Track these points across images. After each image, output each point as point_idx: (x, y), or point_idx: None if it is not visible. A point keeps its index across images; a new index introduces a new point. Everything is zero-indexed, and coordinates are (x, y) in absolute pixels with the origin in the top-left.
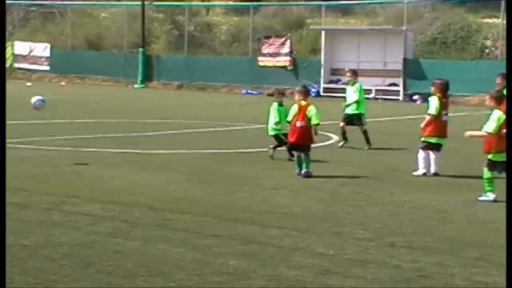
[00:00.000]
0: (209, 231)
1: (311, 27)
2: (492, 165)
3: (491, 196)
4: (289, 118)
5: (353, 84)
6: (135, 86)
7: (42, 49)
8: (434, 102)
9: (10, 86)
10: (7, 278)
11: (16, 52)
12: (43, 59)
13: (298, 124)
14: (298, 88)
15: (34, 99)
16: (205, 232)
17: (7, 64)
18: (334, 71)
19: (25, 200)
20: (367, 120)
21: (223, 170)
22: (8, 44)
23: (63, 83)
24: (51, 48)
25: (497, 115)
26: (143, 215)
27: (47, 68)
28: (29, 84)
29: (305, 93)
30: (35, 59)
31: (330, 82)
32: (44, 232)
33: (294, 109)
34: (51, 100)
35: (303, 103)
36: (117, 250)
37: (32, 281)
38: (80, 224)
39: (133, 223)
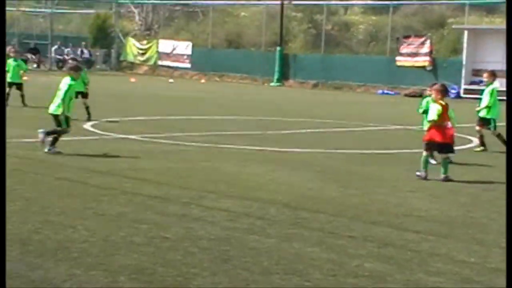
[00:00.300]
0: (344, 232)
1: (453, 26)
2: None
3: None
4: (434, 117)
5: (487, 86)
6: (271, 84)
7: (184, 47)
8: None
9: (154, 82)
10: (149, 269)
11: (160, 50)
12: (185, 57)
13: (447, 124)
14: (437, 86)
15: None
16: (340, 232)
17: (151, 62)
18: (476, 72)
19: (166, 193)
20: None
21: (359, 170)
22: (153, 42)
23: (202, 81)
24: (193, 46)
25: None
26: (279, 213)
27: (189, 65)
28: (171, 80)
29: (444, 92)
30: (178, 57)
31: (472, 83)
32: (183, 226)
33: (437, 108)
34: (191, 97)
35: (443, 102)
36: (254, 247)
37: (173, 272)
38: (217, 219)
39: (269, 220)
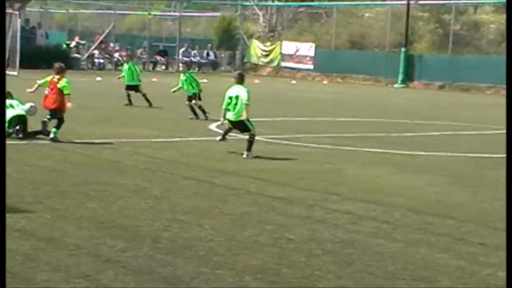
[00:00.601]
0: (473, 239)
1: None
2: None
3: None
4: None
5: None
6: (395, 86)
7: (307, 48)
8: None
9: (277, 84)
10: (273, 269)
11: (283, 51)
12: (308, 58)
13: None
14: None
15: (27, 105)
16: (470, 239)
17: (274, 63)
18: None
19: (290, 195)
20: None
21: (489, 175)
22: (276, 44)
23: (325, 82)
24: (316, 47)
25: None
26: (404, 217)
27: (311, 67)
28: (294, 82)
29: None
30: (300, 58)
31: None
32: (307, 227)
33: None
34: (314, 99)
35: None
36: (378, 251)
37: (297, 274)
38: (341, 221)
39: (394, 224)
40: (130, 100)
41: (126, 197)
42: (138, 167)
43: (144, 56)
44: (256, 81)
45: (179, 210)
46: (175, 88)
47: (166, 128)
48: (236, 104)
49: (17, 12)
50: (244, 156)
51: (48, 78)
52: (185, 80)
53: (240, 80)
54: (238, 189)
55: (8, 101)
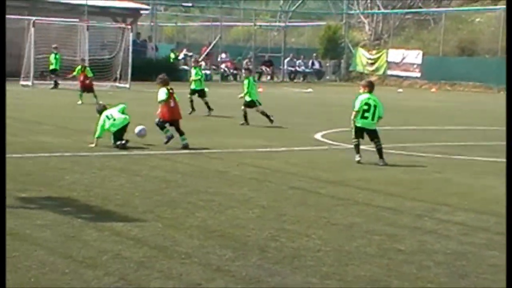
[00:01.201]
0: None
1: None
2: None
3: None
4: None
5: None
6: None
7: (414, 56)
8: None
9: (382, 92)
10: (383, 281)
11: (389, 59)
12: (415, 66)
13: None
14: None
15: (137, 129)
16: None
17: (380, 71)
18: None
19: (398, 205)
20: None
21: None
22: (382, 52)
23: (433, 90)
24: (423, 55)
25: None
26: None
27: (418, 74)
28: (400, 90)
29: None
30: (407, 66)
31: None
32: (417, 239)
33: None
34: (421, 107)
35: None
36: (493, 263)
37: (408, 286)
38: (452, 232)
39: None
40: (191, 106)
41: (234, 207)
42: (245, 177)
43: (250, 67)
44: (361, 90)
45: (286, 220)
46: (241, 94)
47: (271, 138)
48: (374, 113)
49: (129, 27)
50: (381, 164)
51: (165, 91)
52: (248, 86)
53: (372, 89)
54: (345, 199)
55: (106, 113)
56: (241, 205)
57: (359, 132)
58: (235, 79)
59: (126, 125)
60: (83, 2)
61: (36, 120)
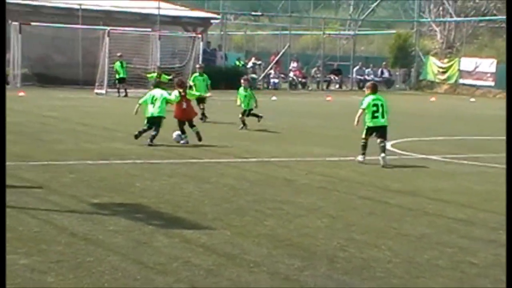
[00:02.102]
0: None
1: None
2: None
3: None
4: None
5: None
6: None
7: (488, 64)
8: None
9: (454, 101)
10: None
11: (461, 68)
12: (488, 75)
13: None
14: None
15: (175, 134)
16: None
17: (452, 80)
18: None
19: (470, 217)
20: None
21: None
22: (454, 60)
23: None
24: (497, 63)
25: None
26: None
27: (492, 83)
28: (472, 99)
29: None
30: (480, 75)
31: None
32: (491, 252)
33: None
34: (495, 116)
35: None
36: None
37: None
38: None
39: None
40: (203, 114)
41: (303, 215)
42: (313, 186)
43: (318, 75)
44: (432, 98)
45: (355, 229)
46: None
47: (339, 146)
48: (383, 111)
49: (199, 36)
50: (383, 155)
51: (177, 94)
52: (245, 96)
53: (376, 90)
54: (415, 210)
55: (153, 92)
56: (309, 214)
57: (370, 131)
58: (303, 87)
59: (159, 118)
60: (156, 12)
61: (109, 127)
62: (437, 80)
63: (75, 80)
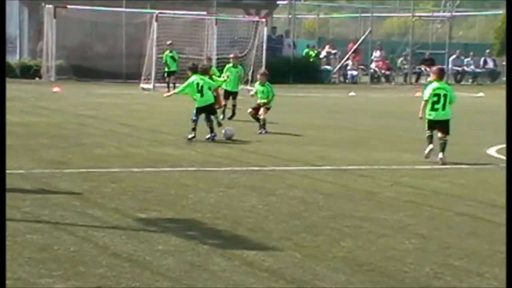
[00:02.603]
0: None
1: None
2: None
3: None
4: None
5: None
6: None
7: None
8: None
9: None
10: None
11: None
12: None
13: None
14: None
15: (223, 130)
16: None
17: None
18: None
19: None
20: None
21: None
22: None
23: None
24: None
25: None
26: None
27: None
28: None
29: None
30: None
31: None
32: None
33: None
34: None
35: None
36: None
37: None
38: None
39: None
40: (223, 110)
41: (387, 235)
42: (400, 200)
43: (406, 66)
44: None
45: (452, 253)
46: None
47: (433, 153)
48: (445, 103)
49: (263, 20)
50: (441, 156)
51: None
52: (262, 91)
53: (442, 76)
54: None
55: (193, 80)
56: (395, 233)
57: (432, 124)
58: (387, 80)
59: (210, 105)
60: None
61: (157, 129)
62: None
63: (118, 73)
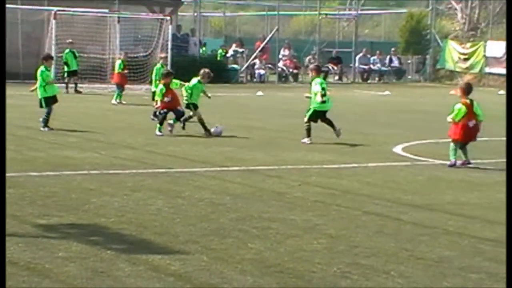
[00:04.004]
0: None
1: None
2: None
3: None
4: None
5: None
6: None
7: None
8: None
9: (479, 94)
10: None
11: (488, 54)
12: None
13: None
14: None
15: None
16: None
17: (476, 69)
18: None
19: (500, 235)
20: None
21: None
22: (479, 44)
23: None
24: None
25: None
26: None
27: None
28: (501, 92)
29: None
30: None
31: None
32: None
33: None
34: None
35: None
36: None
37: None
38: None
39: None
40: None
41: (296, 236)
42: (309, 199)
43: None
44: (452, 91)
45: (359, 252)
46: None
47: (341, 152)
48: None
49: (168, 18)
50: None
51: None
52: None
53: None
54: (433, 228)
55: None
56: (304, 233)
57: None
58: (295, 80)
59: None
60: None
61: (59, 131)
62: (457, 69)
63: (15, 73)
